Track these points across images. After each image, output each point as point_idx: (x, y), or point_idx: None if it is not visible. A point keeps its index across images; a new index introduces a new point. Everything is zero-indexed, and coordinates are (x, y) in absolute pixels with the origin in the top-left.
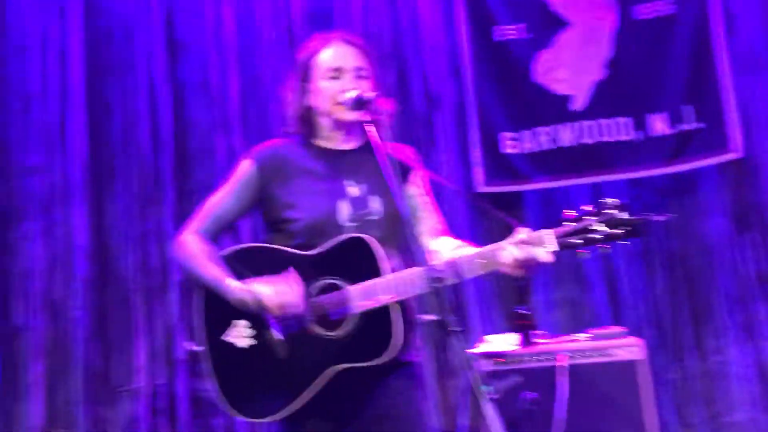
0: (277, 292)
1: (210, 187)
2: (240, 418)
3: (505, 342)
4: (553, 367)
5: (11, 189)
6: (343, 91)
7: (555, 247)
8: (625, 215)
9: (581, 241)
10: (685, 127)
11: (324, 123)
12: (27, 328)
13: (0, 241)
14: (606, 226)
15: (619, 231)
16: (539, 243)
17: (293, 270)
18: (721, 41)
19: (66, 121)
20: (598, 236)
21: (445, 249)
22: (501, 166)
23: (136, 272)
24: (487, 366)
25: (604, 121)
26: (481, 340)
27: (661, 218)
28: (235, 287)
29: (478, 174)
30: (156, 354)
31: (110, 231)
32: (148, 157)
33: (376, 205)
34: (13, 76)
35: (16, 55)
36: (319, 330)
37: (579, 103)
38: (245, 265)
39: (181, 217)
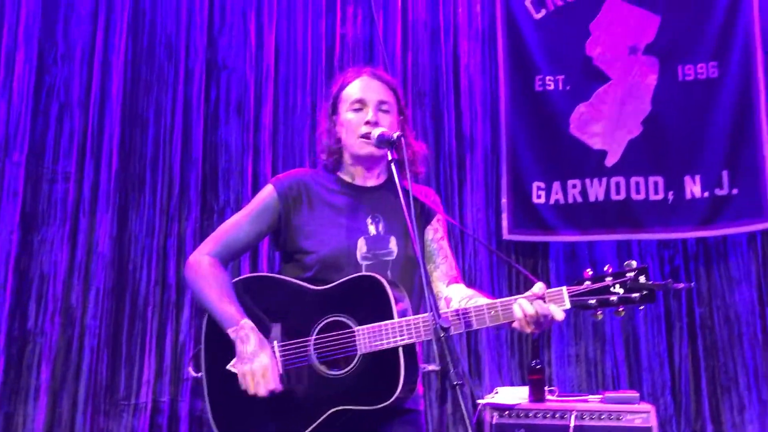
0: (264, 368)
1: (236, 209)
2: None
3: (515, 395)
4: (561, 426)
5: (40, 193)
6: (365, 123)
7: (568, 305)
8: (642, 279)
9: (595, 302)
10: (720, 192)
11: (347, 156)
12: (40, 332)
13: (22, 244)
14: (622, 289)
15: (635, 295)
16: (552, 300)
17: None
18: (764, 110)
19: (101, 132)
20: (613, 298)
21: (457, 297)
22: (528, 215)
23: (153, 286)
24: (495, 418)
25: (635, 179)
26: (492, 391)
27: (681, 286)
28: (251, 326)
29: (505, 221)
30: (163, 371)
31: (132, 243)
32: (177, 173)
33: (392, 245)
34: (56, 83)
35: (61, 64)
36: (322, 368)
37: (612, 159)
38: (254, 296)
39: (203, 236)
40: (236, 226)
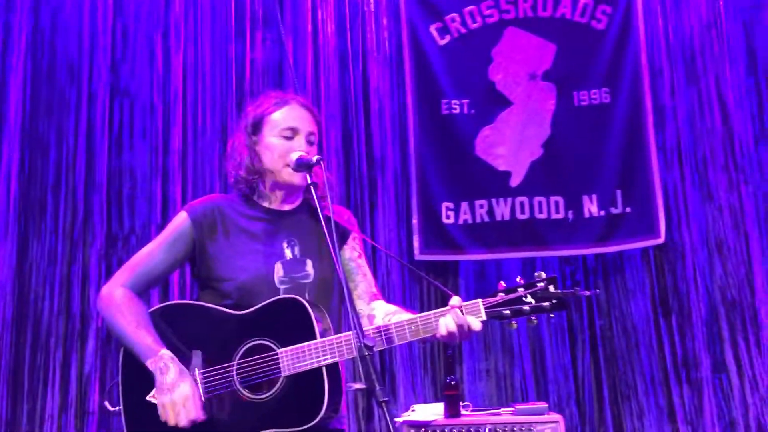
0: (186, 400)
1: (141, 235)
2: None
3: (431, 412)
4: None
5: None
6: (294, 151)
7: (484, 317)
8: (552, 289)
9: (509, 312)
10: (614, 210)
11: (266, 181)
12: None
13: None
14: (534, 299)
15: (546, 304)
16: (469, 312)
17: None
18: (651, 133)
19: (0, 155)
20: (525, 308)
21: (379, 314)
22: (438, 235)
23: (57, 316)
24: None
25: (537, 199)
26: (408, 409)
27: (587, 293)
28: (170, 356)
29: (416, 241)
30: (68, 404)
31: (33, 271)
32: (81, 198)
33: (308, 268)
34: None
35: None
36: (245, 392)
37: (516, 180)
38: (174, 324)
39: (108, 262)
40: (150, 255)
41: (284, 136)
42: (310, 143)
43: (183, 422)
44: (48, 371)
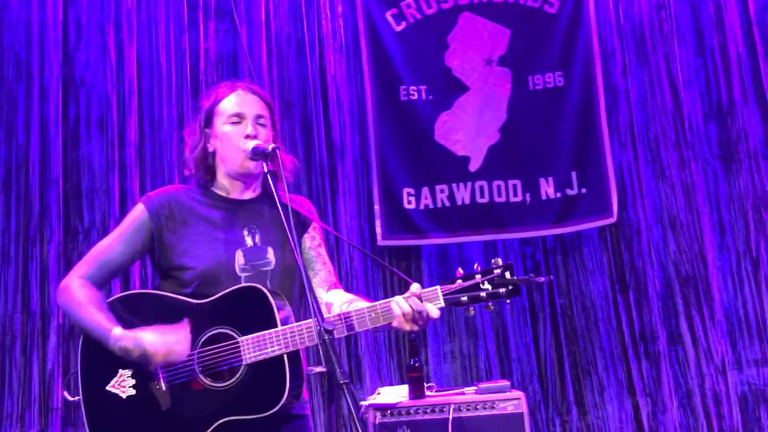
0: (164, 340)
1: (102, 229)
2: None
3: (397, 394)
4: (441, 420)
5: None
6: (244, 137)
7: (442, 303)
8: (508, 275)
9: (466, 299)
10: (570, 191)
11: (222, 169)
12: None
13: None
14: (491, 285)
15: (502, 290)
16: (428, 299)
17: (186, 320)
18: (603, 115)
19: None
20: (482, 294)
21: (338, 301)
22: (400, 221)
23: (14, 314)
24: (377, 418)
25: (496, 182)
26: (374, 392)
27: (541, 279)
28: (120, 335)
29: (379, 227)
30: (31, 401)
31: None
32: (35, 195)
33: (269, 255)
34: None
35: None
36: (207, 381)
37: (475, 164)
38: (133, 313)
39: (67, 258)
40: (108, 247)
41: (232, 122)
42: (260, 125)
43: (185, 349)
44: (6, 370)
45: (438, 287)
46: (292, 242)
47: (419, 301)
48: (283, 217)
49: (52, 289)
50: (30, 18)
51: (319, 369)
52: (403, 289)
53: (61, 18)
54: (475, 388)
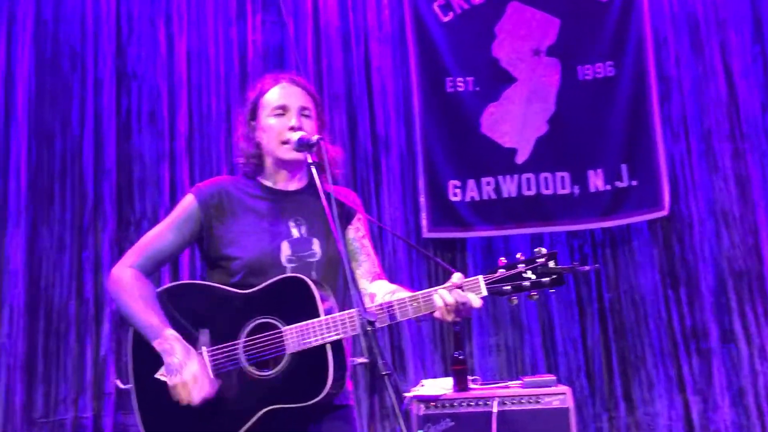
0: (199, 379)
1: (153, 219)
2: None
3: (440, 386)
4: (485, 413)
5: None
6: (289, 128)
7: (484, 292)
8: (552, 264)
9: (509, 288)
10: (620, 184)
11: (269, 161)
12: None
13: None
14: (534, 275)
15: (546, 279)
16: (470, 288)
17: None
18: (655, 106)
19: (8, 147)
20: (525, 284)
21: (381, 292)
22: (446, 213)
23: (69, 301)
24: (421, 410)
25: (544, 175)
26: (417, 384)
27: (587, 268)
28: (173, 336)
29: (424, 220)
30: (84, 387)
31: (45, 258)
32: (90, 185)
33: (315, 246)
34: None
35: None
36: (252, 370)
37: (522, 156)
38: (181, 304)
39: (120, 247)
40: (158, 236)
41: (276, 114)
42: (305, 117)
43: (196, 400)
44: (61, 356)
45: (480, 276)
46: (335, 233)
47: (461, 291)
48: (326, 207)
49: (105, 277)
50: (84, 11)
51: (361, 360)
52: (448, 278)
53: (115, 12)
54: (519, 381)
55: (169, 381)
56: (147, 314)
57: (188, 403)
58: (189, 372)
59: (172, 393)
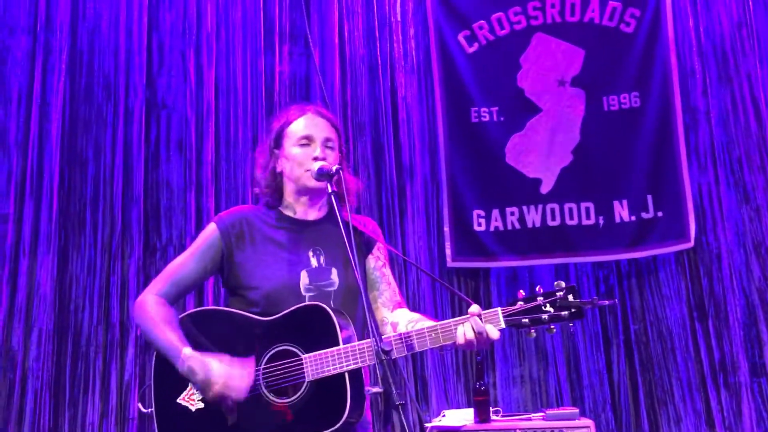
0: (228, 373)
1: (178, 246)
2: None
3: (462, 417)
4: None
5: None
6: (312, 158)
7: (503, 325)
8: (571, 297)
9: (527, 321)
10: (646, 215)
11: (289, 190)
12: None
13: None
14: (553, 308)
15: (565, 313)
16: (488, 320)
17: (252, 358)
18: (681, 137)
19: (41, 172)
20: (544, 317)
21: (404, 321)
22: (470, 243)
23: (96, 326)
24: None
25: (568, 205)
26: (439, 414)
27: (606, 303)
28: (189, 355)
29: (448, 249)
30: (108, 411)
31: (73, 283)
32: (118, 212)
33: (334, 276)
34: None
35: (1, 107)
36: (271, 396)
37: (547, 187)
38: (203, 329)
39: (146, 273)
40: (182, 265)
41: (301, 144)
42: (328, 148)
43: (242, 395)
44: (88, 379)
45: (499, 309)
46: (353, 262)
47: (480, 322)
48: (345, 236)
49: (132, 302)
50: (118, 44)
51: (376, 389)
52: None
53: (146, 44)
54: (542, 414)
55: (208, 398)
56: (167, 336)
57: (238, 401)
58: (217, 381)
59: (222, 405)
